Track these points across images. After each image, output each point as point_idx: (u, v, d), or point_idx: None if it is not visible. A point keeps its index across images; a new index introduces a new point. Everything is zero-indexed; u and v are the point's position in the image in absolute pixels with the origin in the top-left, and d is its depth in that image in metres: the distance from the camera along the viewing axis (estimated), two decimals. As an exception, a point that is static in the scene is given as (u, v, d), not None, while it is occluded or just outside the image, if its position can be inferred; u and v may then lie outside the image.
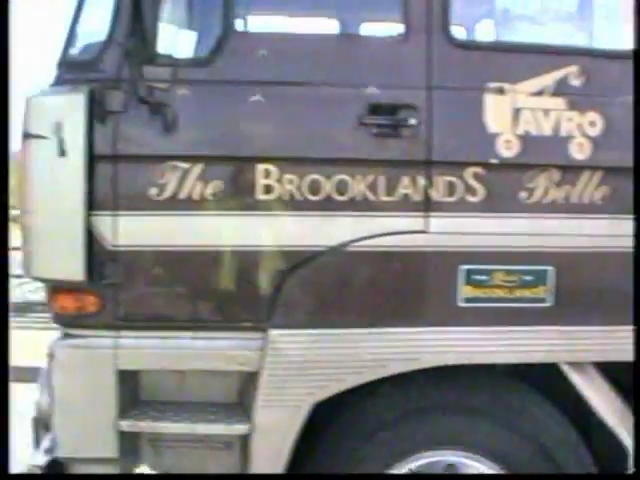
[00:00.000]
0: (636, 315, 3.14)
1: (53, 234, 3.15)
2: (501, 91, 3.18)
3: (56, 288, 3.27)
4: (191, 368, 3.26)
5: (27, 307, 9.76)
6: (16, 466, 3.44)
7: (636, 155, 3.16)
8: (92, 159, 3.08)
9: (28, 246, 3.21)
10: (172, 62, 3.17)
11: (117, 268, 3.15)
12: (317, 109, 3.17)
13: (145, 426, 3.21)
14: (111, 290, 3.17)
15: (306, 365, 3.18)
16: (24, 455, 3.80)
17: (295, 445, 3.20)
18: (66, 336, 3.28)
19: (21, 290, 10.62)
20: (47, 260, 3.19)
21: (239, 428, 3.20)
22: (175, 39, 3.76)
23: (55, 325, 3.37)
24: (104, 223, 3.12)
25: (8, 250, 3.17)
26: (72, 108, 3.07)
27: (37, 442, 3.70)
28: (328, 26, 4.24)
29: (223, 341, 3.22)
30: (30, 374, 6.21)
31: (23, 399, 4.20)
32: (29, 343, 7.91)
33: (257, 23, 3.98)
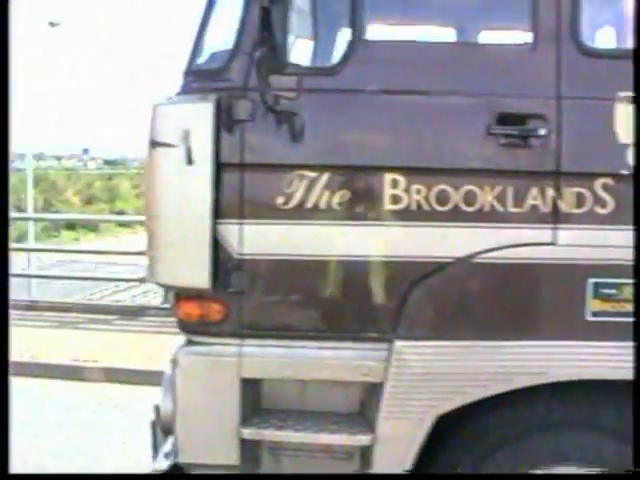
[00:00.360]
0: (636, 331, 3.05)
1: (179, 241, 3.17)
2: (632, 100, 3.10)
3: (181, 295, 3.29)
4: (315, 378, 3.25)
5: (139, 311, 9.83)
6: (133, 470, 3.51)
7: (636, 155, 3.07)
8: (219, 167, 3.11)
9: (153, 252, 3.24)
10: (299, 71, 3.19)
11: (242, 276, 3.16)
12: (445, 118, 3.14)
13: (268, 434, 3.22)
14: (236, 298, 3.18)
15: (430, 377, 3.15)
16: (134, 454, 3.86)
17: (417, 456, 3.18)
18: (190, 343, 3.30)
19: (129, 294, 10.84)
20: (172, 266, 3.21)
21: (361, 439, 3.19)
22: (295, 48, 3.76)
23: (167, 330, 3.38)
24: (230, 231, 3.14)
25: (8, 250, 3.17)
26: (200, 116, 3.10)
27: (155, 444, 3.75)
28: (448, 34, 4.18)
29: (347, 351, 3.20)
30: (143, 377, 6.35)
31: (142, 401, 4.26)
32: (139, 346, 8.11)
33: (380, 32, 3.94)
